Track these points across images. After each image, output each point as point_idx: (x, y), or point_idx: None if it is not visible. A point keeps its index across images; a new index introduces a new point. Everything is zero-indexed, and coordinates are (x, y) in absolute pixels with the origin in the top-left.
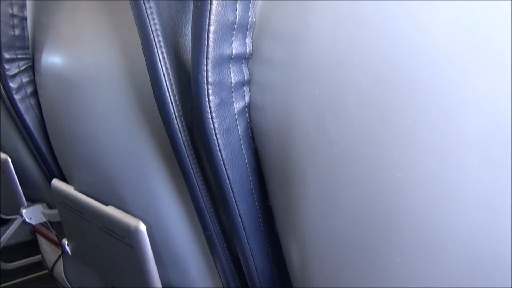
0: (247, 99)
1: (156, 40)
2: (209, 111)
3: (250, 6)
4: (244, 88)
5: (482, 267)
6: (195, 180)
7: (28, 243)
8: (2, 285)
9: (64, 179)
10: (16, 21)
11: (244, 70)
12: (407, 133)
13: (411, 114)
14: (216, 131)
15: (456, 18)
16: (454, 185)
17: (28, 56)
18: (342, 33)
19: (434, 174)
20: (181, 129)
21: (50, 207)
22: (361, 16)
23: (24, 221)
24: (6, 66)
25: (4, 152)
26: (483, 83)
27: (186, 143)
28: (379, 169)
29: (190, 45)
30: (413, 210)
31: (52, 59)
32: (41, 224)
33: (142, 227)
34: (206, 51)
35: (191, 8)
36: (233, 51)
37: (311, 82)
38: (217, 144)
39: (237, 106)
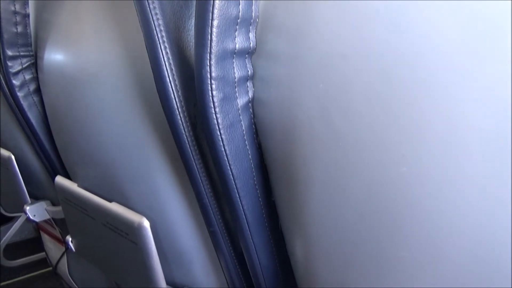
0: (250, 94)
1: (159, 35)
2: (212, 106)
3: (253, 0)
4: (248, 83)
5: (489, 262)
6: (198, 176)
7: (32, 241)
8: (6, 283)
9: (67, 176)
10: (18, 18)
11: (247, 65)
12: (413, 126)
13: (417, 107)
14: (220, 126)
15: (462, 11)
16: (460, 179)
17: (31, 53)
18: (346, 26)
19: (440, 167)
20: (184, 125)
21: (53, 204)
22: (365, 8)
23: (27, 219)
24: (9, 63)
25: (8, 149)
26: (489, 77)
27: (190, 138)
28: (384, 163)
29: (193, 40)
30: (418, 204)
31: (55, 56)
32: (45, 221)
33: (146, 223)
34: (209, 45)
35: (194, 3)
36: (237, 46)
37: (315, 76)
38: (220, 139)
39: (241, 101)
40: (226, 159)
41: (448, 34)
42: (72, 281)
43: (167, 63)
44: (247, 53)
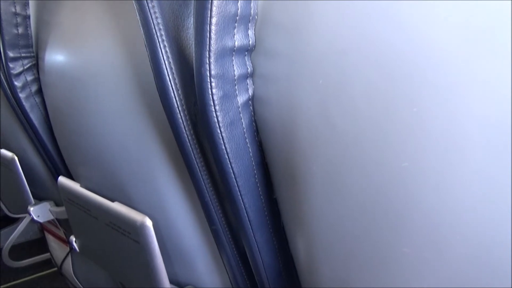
0: (250, 92)
1: (158, 34)
2: (212, 104)
3: None
4: (248, 80)
5: (490, 260)
6: (200, 175)
7: (36, 241)
8: (12, 283)
9: (70, 176)
10: (19, 19)
11: (247, 63)
12: (413, 122)
13: (417, 103)
14: (220, 125)
15: (462, 7)
16: (461, 174)
17: (32, 54)
18: (345, 22)
19: (441, 163)
20: (185, 124)
21: (57, 204)
22: (364, 5)
23: (32, 219)
24: (11, 65)
25: (11, 150)
26: (489, 72)
27: (191, 137)
28: (385, 159)
29: (192, 39)
30: (420, 200)
31: (56, 56)
32: (49, 221)
33: (148, 222)
34: (208, 43)
35: (193, 2)
36: (236, 43)
37: (315, 72)
38: (221, 137)
39: (241, 99)
40: (227, 157)
41: (448, 29)
42: (77, 281)
43: (166, 62)
44: (247, 50)
